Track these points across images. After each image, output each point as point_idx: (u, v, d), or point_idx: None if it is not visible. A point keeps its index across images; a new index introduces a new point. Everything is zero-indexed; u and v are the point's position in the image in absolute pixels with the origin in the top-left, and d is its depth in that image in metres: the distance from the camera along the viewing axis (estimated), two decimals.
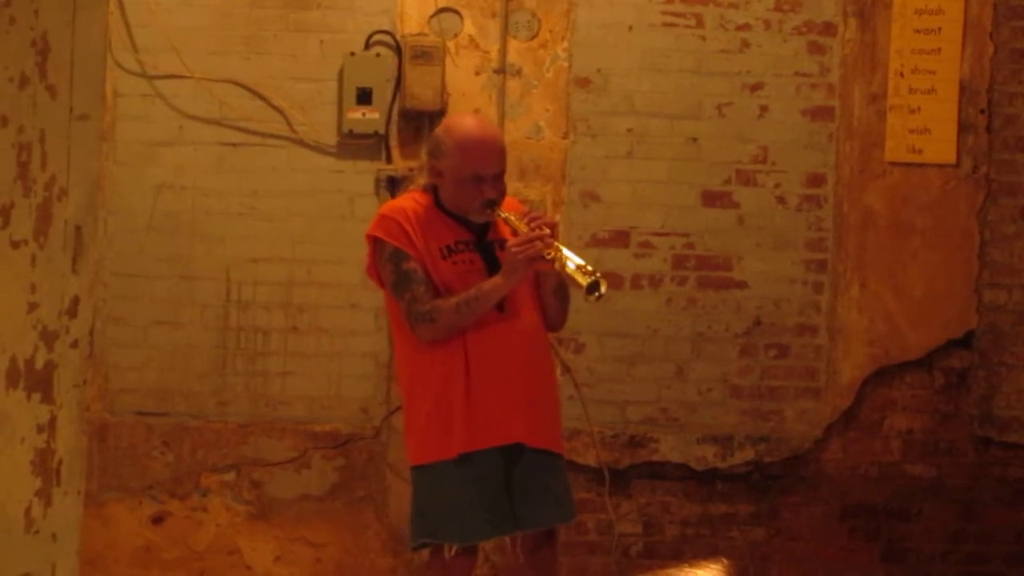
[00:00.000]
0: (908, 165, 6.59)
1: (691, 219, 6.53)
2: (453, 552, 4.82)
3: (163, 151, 6.40)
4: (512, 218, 4.69)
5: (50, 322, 2.63)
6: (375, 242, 4.74)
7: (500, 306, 4.69)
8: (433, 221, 4.74)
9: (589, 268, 4.61)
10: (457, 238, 4.75)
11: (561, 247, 4.65)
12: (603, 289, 4.59)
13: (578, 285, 4.61)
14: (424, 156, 4.92)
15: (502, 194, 4.75)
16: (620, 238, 6.51)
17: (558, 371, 5.67)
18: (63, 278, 2.66)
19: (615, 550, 6.43)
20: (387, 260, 4.70)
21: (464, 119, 4.97)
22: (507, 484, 4.73)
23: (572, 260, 4.63)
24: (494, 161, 4.71)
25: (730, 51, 6.53)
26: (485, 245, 4.78)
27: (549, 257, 4.60)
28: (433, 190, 4.81)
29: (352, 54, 6.38)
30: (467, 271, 4.71)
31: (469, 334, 4.68)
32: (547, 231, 4.62)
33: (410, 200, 4.85)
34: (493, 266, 4.71)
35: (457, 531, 4.76)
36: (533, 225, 4.64)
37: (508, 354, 4.71)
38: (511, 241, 4.64)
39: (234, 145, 6.42)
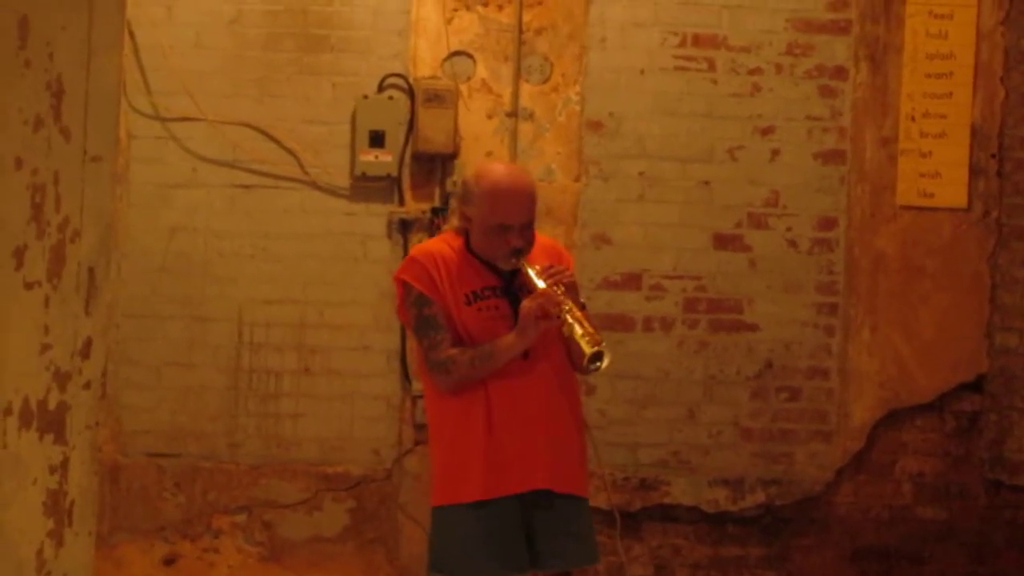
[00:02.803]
0: (919, 209, 6.59)
1: (703, 262, 6.54)
2: None
3: (176, 193, 6.43)
4: (532, 272, 4.66)
5: (63, 363, 2.63)
6: (403, 285, 4.76)
7: (524, 351, 4.69)
8: (463, 265, 4.73)
9: (597, 337, 4.59)
10: (484, 284, 4.73)
11: (574, 308, 4.62)
12: (605, 362, 4.55)
13: (581, 353, 4.58)
14: (455, 200, 4.90)
15: (529, 243, 4.73)
16: (632, 281, 6.52)
17: None
18: (76, 319, 2.67)
19: None
20: (412, 304, 4.72)
21: (494, 167, 4.88)
22: (529, 525, 4.72)
23: (580, 325, 4.59)
24: (521, 211, 4.69)
25: (741, 95, 6.55)
26: (512, 290, 4.76)
27: (559, 319, 4.59)
28: (465, 233, 4.81)
29: (365, 97, 6.41)
30: (491, 318, 4.69)
31: (491, 381, 4.67)
32: (561, 289, 4.60)
33: (443, 243, 4.84)
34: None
35: (467, 570, 4.77)
36: (551, 282, 4.62)
37: (530, 402, 4.69)
38: (524, 301, 4.63)
39: (247, 187, 6.44)
